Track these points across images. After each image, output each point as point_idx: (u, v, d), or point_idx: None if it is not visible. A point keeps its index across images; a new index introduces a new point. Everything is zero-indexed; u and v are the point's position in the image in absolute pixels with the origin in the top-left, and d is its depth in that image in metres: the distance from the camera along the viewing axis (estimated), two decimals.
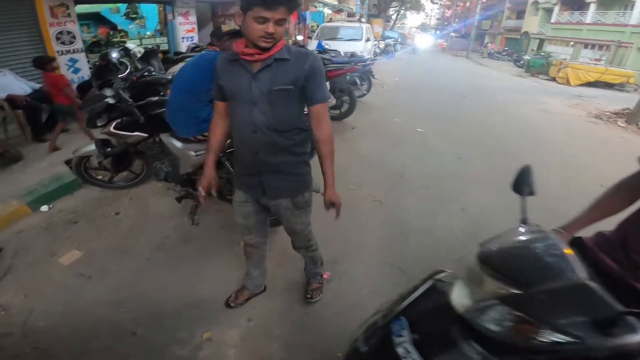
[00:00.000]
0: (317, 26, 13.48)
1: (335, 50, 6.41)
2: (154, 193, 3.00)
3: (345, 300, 2.00)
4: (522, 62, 18.87)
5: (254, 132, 1.28)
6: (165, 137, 2.41)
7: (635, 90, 13.02)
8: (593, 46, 19.72)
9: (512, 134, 5.53)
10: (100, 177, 2.97)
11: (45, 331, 1.73)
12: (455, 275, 0.95)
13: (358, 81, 6.03)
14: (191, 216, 2.48)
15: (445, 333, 0.84)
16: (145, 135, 2.46)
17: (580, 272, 0.74)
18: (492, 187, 3.48)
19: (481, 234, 2.63)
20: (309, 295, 1.96)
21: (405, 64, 14.96)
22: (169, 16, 7.24)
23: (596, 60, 18.26)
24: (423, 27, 57.22)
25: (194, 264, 2.21)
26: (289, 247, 1.86)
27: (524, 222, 0.97)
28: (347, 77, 5.42)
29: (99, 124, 2.44)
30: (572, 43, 21.19)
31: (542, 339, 0.68)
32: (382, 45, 16.47)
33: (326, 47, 7.08)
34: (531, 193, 1.02)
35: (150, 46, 5.87)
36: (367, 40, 10.04)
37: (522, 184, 1.04)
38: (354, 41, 9.35)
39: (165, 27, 7.95)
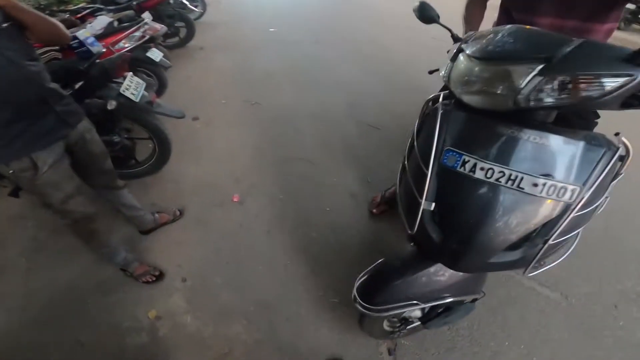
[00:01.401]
0: None
1: None
2: None
3: (266, 215, 1.99)
4: None
5: None
6: None
7: None
8: None
9: (346, 8, 5.98)
10: None
11: None
12: (459, 92, 0.85)
13: (186, 2, 5.27)
14: None
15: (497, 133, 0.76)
16: None
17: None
18: (349, 59, 3.75)
19: (360, 100, 3.05)
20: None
21: None
22: None
23: None
24: None
25: (87, 250, 1.74)
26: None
27: (458, 38, 1.01)
28: (172, 1, 4.69)
29: None
30: None
31: (600, 87, 0.65)
32: None
33: None
34: (437, 16, 1.08)
35: None
36: None
37: (425, 14, 1.08)
38: None
39: None
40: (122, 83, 1.92)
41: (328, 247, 1.82)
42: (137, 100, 1.93)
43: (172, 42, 4.40)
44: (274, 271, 1.72)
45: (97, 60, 1.91)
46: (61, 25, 1.22)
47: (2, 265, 1.91)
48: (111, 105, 1.81)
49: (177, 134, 2.38)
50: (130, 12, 3.66)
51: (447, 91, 0.97)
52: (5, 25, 1.06)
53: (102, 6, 4.18)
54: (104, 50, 2.15)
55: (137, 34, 3.08)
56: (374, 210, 1.99)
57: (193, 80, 3.45)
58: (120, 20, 3.14)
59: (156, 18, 4.16)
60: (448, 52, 0.96)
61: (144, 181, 2.24)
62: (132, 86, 1.96)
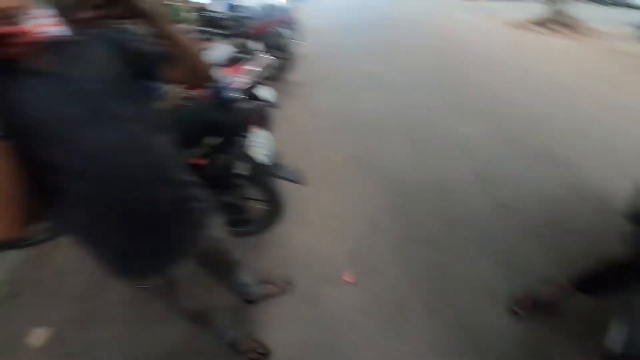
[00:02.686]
0: None
1: (247, 7, 5.47)
2: None
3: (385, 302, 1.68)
4: None
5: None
6: None
7: None
8: None
9: (460, 57, 5.42)
10: None
11: None
12: None
13: (288, 33, 5.26)
14: None
15: None
16: None
17: None
18: (469, 114, 3.30)
19: (492, 174, 2.44)
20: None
21: (322, 4, 13.97)
22: None
23: None
24: None
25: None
26: None
27: None
28: (276, 31, 4.65)
29: None
30: None
31: None
32: None
33: (236, 4, 5.98)
34: None
35: None
36: None
37: None
38: None
39: None
40: (248, 137, 1.62)
41: (460, 347, 1.49)
42: (268, 163, 1.61)
43: (273, 74, 4.19)
44: None
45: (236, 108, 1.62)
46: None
47: (102, 312, 1.78)
48: (244, 169, 1.50)
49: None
50: (242, 41, 3.55)
51: None
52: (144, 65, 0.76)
53: (212, 29, 4.20)
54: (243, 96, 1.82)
55: (258, 68, 2.86)
56: (519, 311, 1.61)
57: (295, 123, 3.21)
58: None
59: (264, 48, 4.10)
60: None
61: (247, 241, 1.97)
62: (264, 145, 1.66)
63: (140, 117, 0.74)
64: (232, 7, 6.04)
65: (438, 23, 8.27)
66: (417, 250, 1.93)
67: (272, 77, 4.16)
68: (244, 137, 1.55)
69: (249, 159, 1.51)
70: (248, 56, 2.72)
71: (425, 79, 4.41)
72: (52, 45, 0.63)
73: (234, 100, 1.63)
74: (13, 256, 2.16)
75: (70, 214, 0.72)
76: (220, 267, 1.32)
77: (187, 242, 0.90)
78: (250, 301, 1.66)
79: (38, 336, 1.70)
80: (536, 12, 8.16)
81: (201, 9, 4.87)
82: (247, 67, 2.48)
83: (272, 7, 4.94)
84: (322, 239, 2.04)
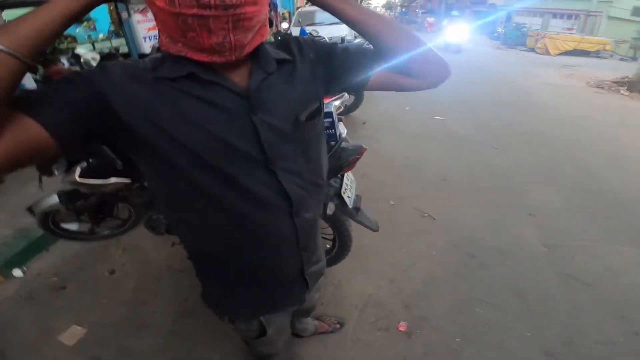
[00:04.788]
0: (289, 13, 12.52)
1: (320, 37, 5.77)
2: (151, 240, 2.29)
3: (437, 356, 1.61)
4: (495, 34, 19.10)
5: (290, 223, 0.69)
6: None
7: (611, 56, 13.25)
8: (562, 15, 19.90)
9: (531, 112, 5.16)
10: (76, 228, 2.23)
11: None
12: None
13: None
14: None
15: None
16: (127, 180, 1.72)
17: None
18: (543, 179, 3.06)
19: (562, 243, 2.25)
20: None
21: None
22: (123, 15, 6.19)
23: (569, 29, 18.48)
24: (388, 5, 56.33)
25: (235, 335, 1.59)
26: None
27: None
28: None
29: (56, 173, 1.65)
30: (539, 13, 21.33)
31: None
32: None
33: (312, 33, 6.37)
34: None
35: (107, 50, 4.95)
36: None
37: None
38: (337, 25, 8.58)
39: (121, 28, 6.62)
40: (340, 179, 1.63)
41: None
42: (351, 206, 1.59)
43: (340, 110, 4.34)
44: None
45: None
46: None
47: (145, 319, 1.78)
48: (330, 209, 1.49)
49: None
50: None
51: None
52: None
53: None
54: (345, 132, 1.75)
55: (337, 102, 2.91)
56: None
57: (359, 164, 3.14)
58: None
59: None
60: None
61: None
62: (350, 187, 1.65)
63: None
64: (304, 33, 6.44)
65: (516, 79, 8.00)
66: (476, 313, 1.83)
67: (339, 112, 4.28)
68: (341, 178, 1.55)
69: (338, 199, 1.51)
70: None
71: (498, 135, 4.23)
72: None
73: (341, 138, 1.64)
74: (66, 247, 2.26)
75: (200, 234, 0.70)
76: (299, 314, 1.30)
77: (293, 297, 0.87)
78: (300, 335, 1.63)
79: (72, 334, 1.72)
80: (623, 71, 7.62)
81: (286, 34, 5.16)
82: (332, 100, 2.55)
83: (344, 41, 5.12)
84: (380, 286, 1.98)
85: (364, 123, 4.39)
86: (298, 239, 0.71)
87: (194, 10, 0.47)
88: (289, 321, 1.04)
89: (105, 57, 4.37)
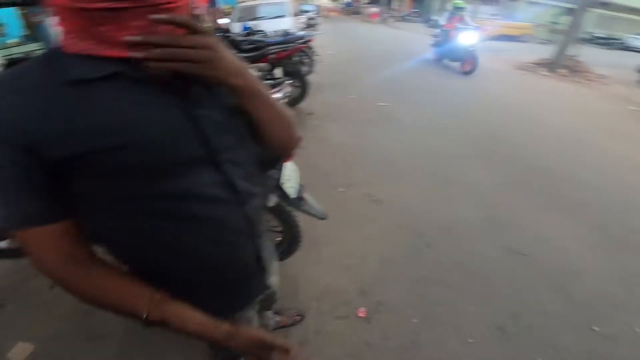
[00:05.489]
0: (232, 9, 12.08)
1: (261, 31, 5.67)
2: None
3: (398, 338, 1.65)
4: (431, 22, 20.32)
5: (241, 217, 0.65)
6: None
7: (532, 40, 14.67)
8: (490, 1, 21.51)
9: (465, 96, 5.56)
10: (5, 245, 1.98)
11: None
12: None
13: (305, 61, 5.40)
14: None
15: None
16: None
17: None
18: (478, 156, 3.31)
19: (499, 216, 2.41)
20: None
21: (330, 36, 14.50)
22: (36, 18, 5.58)
23: (495, 15, 20.06)
24: None
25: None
26: None
27: None
28: (295, 58, 4.77)
29: None
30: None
31: None
32: (303, 20, 15.73)
33: (252, 28, 6.20)
34: None
35: (18, 55, 4.41)
36: (294, 15, 9.23)
37: None
38: (280, 18, 8.45)
39: (36, 32, 6.11)
40: (282, 169, 1.60)
41: None
42: (294, 196, 1.58)
43: (284, 102, 4.31)
44: None
45: None
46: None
47: (95, 329, 1.68)
48: (272, 201, 1.47)
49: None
50: (266, 66, 3.60)
51: None
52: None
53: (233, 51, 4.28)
54: None
55: (279, 95, 2.87)
56: None
57: (308, 154, 3.20)
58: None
59: (282, 75, 4.16)
60: None
61: None
62: (291, 177, 1.63)
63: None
64: (247, 28, 6.28)
65: None
66: (429, 292, 1.92)
67: (288, 106, 4.24)
68: (280, 169, 1.53)
69: (279, 191, 1.49)
70: (271, 82, 2.74)
71: (439, 119, 4.49)
72: None
73: None
74: (1, 265, 2.06)
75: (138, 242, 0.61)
76: (262, 306, 1.26)
77: (255, 291, 0.83)
78: None
79: (21, 351, 1.60)
80: (543, 54, 8.44)
81: (225, 29, 4.97)
82: (272, 94, 2.52)
83: (288, 34, 5.08)
84: (336, 275, 2.00)
85: (311, 114, 4.40)
86: (251, 227, 0.68)
87: (103, 4, 0.40)
88: (255, 316, 1.00)
89: (15, 62, 3.90)
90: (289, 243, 1.84)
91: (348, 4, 39.37)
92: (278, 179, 1.53)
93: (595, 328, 1.72)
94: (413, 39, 14.18)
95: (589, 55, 9.78)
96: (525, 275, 2.04)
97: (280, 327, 1.66)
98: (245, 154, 0.63)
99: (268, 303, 1.29)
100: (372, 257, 2.13)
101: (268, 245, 0.86)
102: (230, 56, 0.51)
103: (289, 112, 0.69)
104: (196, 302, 0.71)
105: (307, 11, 20.45)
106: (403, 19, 25.83)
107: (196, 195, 0.56)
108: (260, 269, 0.80)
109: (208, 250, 0.64)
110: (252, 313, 0.90)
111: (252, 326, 0.93)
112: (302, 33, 5.53)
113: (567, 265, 2.11)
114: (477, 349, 1.62)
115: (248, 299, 0.82)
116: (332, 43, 11.91)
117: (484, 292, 1.93)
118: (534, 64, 8.08)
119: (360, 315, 1.76)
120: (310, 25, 15.57)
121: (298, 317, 1.72)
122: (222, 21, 6.22)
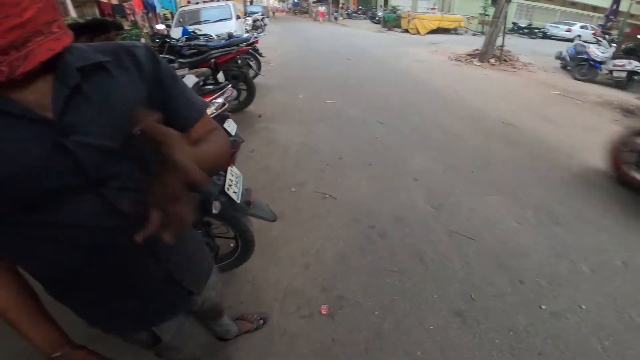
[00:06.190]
0: (171, 14, 11.60)
1: (207, 35, 5.58)
2: None
3: (362, 332, 1.69)
4: (377, 18, 21.12)
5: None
6: None
7: (465, 32, 15.76)
8: None
9: (407, 87, 5.89)
10: None
11: None
12: None
13: (250, 63, 5.37)
14: None
15: None
16: None
17: None
18: (420, 145, 3.55)
19: (444, 202, 2.64)
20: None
21: (278, 37, 14.47)
22: None
23: (432, 9, 21.23)
24: None
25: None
26: None
27: None
28: (238, 62, 4.72)
29: None
30: None
31: None
32: (249, 22, 15.50)
33: (195, 32, 6.04)
34: None
35: None
36: (238, 17, 9.08)
37: None
38: (224, 21, 8.29)
39: None
40: (223, 176, 1.63)
41: None
42: (239, 201, 1.62)
43: (232, 105, 4.11)
44: None
45: None
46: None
47: (31, 352, 1.47)
48: (216, 207, 1.49)
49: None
50: (207, 70, 3.53)
51: None
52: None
53: (172, 57, 4.12)
54: None
55: (220, 100, 2.84)
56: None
57: (257, 156, 3.24)
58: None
59: (225, 78, 4.09)
60: None
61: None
62: (234, 182, 1.67)
63: None
64: (187, 33, 6.09)
65: (393, 59, 8.92)
66: (388, 283, 1.97)
67: (232, 109, 4.17)
68: (222, 174, 1.55)
69: (224, 196, 1.51)
70: (212, 87, 2.71)
71: (382, 112, 4.73)
72: None
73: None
74: None
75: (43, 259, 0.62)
76: (208, 315, 1.27)
77: (177, 305, 0.86)
78: (225, 339, 1.60)
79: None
80: (475, 45, 9.14)
81: (164, 35, 4.79)
82: (213, 99, 2.49)
83: (232, 37, 5.02)
84: (295, 274, 2.02)
85: (260, 116, 4.41)
86: (155, 252, 0.68)
87: None
88: (186, 324, 1.02)
89: None
90: (243, 248, 1.84)
91: (296, 4, 39.41)
92: (222, 186, 1.56)
93: (543, 306, 1.80)
94: (357, 34, 14.63)
95: (515, 45, 10.79)
96: (476, 259, 2.13)
97: (245, 332, 1.65)
98: (144, 177, 0.56)
99: (213, 313, 1.28)
100: (329, 253, 2.16)
101: (196, 265, 0.88)
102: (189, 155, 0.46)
103: (223, 140, 0.69)
104: (110, 315, 0.76)
105: (253, 13, 20.27)
106: (349, 16, 26.49)
107: (76, 226, 0.56)
108: (180, 289, 0.81)
109: (100, 273, 0.65)
110: (178, 324, 0.91)
111: (182, 336, 0.96)
112: (246, 35, 5.50)
113: (509, 244, 2.24)
114: (439, 336, 1.67)
115: (163, 314, 0.83)
116: (280, 44, 11.93)
117: (439, 278, 2.00)
118: (467, 55, 8.74)
119: (323, 312, 1.78)
120: (257, 27, 15.46)
121: (261, 321, 1.71)
122: (160, 27, 5.96)
